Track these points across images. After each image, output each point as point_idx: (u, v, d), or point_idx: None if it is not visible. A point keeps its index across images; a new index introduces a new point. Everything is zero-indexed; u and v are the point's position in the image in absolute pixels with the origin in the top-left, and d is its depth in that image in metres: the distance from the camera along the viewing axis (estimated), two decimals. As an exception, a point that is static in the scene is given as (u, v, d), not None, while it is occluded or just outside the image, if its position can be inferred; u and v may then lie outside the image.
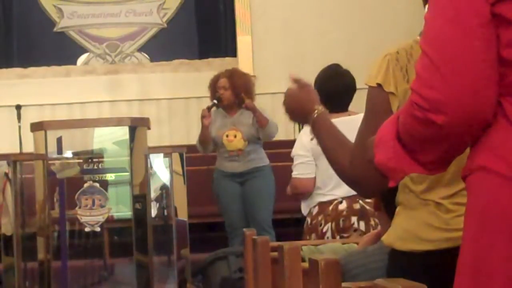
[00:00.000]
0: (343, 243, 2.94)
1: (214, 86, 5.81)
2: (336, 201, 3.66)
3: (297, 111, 2.14)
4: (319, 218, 3.69)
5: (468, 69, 1.34)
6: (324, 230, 3.65)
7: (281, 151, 6.84)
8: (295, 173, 3.82)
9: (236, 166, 5.66)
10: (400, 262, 1.84)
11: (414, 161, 1.44)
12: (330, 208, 3.67)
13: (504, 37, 1.35)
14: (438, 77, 1.36)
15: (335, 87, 3.75)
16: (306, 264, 1.91)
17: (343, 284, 1.75)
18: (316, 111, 2.04)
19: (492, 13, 1.35)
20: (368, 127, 1.87)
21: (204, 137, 5.61)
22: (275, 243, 2.62)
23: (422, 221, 1.82)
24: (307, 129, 3.93)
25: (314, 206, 3.75)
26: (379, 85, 1.84)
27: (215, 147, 5.70)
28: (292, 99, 2.16)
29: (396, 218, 1.91)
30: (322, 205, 3.70)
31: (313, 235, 3.70)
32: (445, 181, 1.80)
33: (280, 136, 7.75)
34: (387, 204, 2.23)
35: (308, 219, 3.77)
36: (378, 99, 1.84)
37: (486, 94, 1.34)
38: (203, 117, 5.56)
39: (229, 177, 5.68)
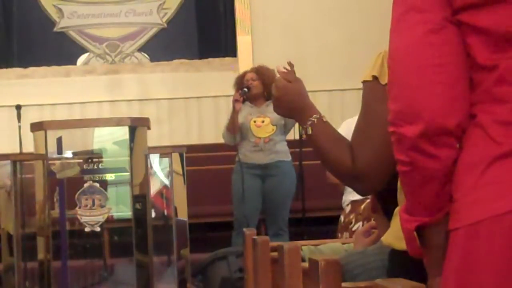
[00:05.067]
0: (343, 243, 2.94)
1: (240, 81, 5.86)
2: (368, 200, 3.67)
3: (289, 106, 2.05)
4: (351, 216, 3.69)
5: (421, 75, 1.33)
6: (354, 229, 3.65)
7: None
8: None
9: (261, 157, 5.67)
10: (400, 262, 1.85)
11: (412, 216, 1.41)
12: (362, 207, 3.67)
13: (474, 44, 1.35)
14: (396, 88, 1.37)
15: None
16: (306, 264, 1.91)
17: (343, 284, 1.75)
18: (315, 116, 1.99)
19: (456, 20, 1.35)
20: (367, 121, 1.88)
21: (234, 124, 5.60)
22: (275, 243, 2.62)
23: (418, 220, 1.82)
24: (348, 121, 3.87)
25: (348, 204, 3.76)
26: (375, 77, 1.85)
27: (240, 137, 5.70)
28: (283, 91, 2.06)
29: (394, 218, 1.92)
30: (354, 204, 3.71)
31: (345, 234, 3.70)
32: None
33: (280, 136, 7.75)
34: (385, 205, 2.24)
35: (341, 217, 3.78)
36: (375, 91, 1.86)
37: (444, 99, 1.33)
38: (235, 101, 5.57)
39: (251, 169, 5.67)
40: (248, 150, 5.70)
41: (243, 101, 5.69)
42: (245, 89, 5.66)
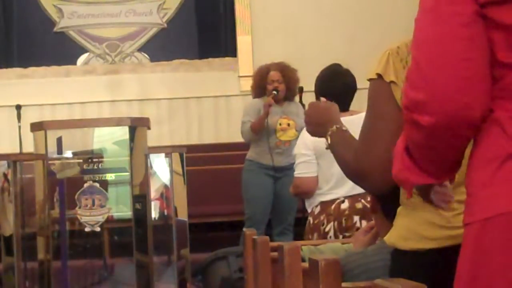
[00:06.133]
0: (343, 243, 2.94)
1: (263, 77, 5.84)
2: (338, 201, 3.66)
3: (317, 122, 2.16)
4: (321, 217, 3.68)
5: (449, 69, 1.33)
6: (327, 229, 3.64)
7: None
8: (297, 172, 3.82)
9: (279, 159, 5.71)
10: (403, 261, 1.84)
11: (420, 171, 1.43)
12: (332, 207, 3.66)
13: (496, 39, 1.35)
14: (421, 78, 1.36)
15: (334, 87, 3.76)
16: (306, 264, 1.91)
17: (343, 284, 1.75)
18: (335, 126, 2.06)
19: (483, 14, 1.35)
20: (372, 119, 1.89)
21: (262, 126, 5.66)
22: (275, 243, 2.62)
23: (424, 220, 1.82)
24: None
25: (316, 206, 3.74)
26: (379, 75, 1.86)
27: (259, 137, 5.73)
28: (314, 108, 2.20)
29: (398, 218, 1.92)
30: (324, 205, 3.70)
31: (315, 235, 3.70)
32: None
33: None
34: (385, 204, 2.24)
35: (310, 219, 3.76)
36: (380, 89, 1.87)
37: (468, 93, 1.33)
38: (269, 105, 5.61)
39: (265, 169, 5.72)
40: (266, 152, 5.72)
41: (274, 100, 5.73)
42: (275, 92, 5.70)
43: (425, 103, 1.35)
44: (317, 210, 3.73)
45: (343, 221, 3.61)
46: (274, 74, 5.79)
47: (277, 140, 5.71)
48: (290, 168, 5.67)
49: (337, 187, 3.64)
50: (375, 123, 1.87)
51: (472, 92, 1.33)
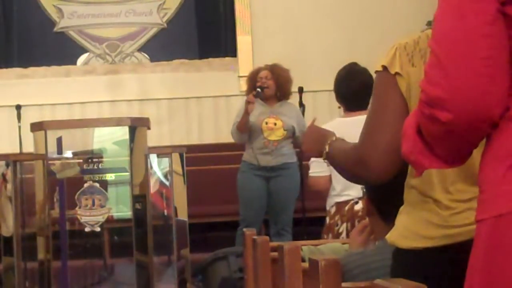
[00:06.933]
0: (343, 243, 2.94)
1: (253, 78, 5.84)
2: (352, 202, 3.68)
3: (314, 139, 2.17)
4: (336, 218, 3.72)
5: (471, 66, 1.33)
6: (340, 230, 3.66)
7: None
8: (311, 172, 3.89)
9: (269, 160, 5.66)
10: (404, 260, 1.85)
11: (432, 155, 1.43)
12: (346, 208, 3.69)
13: None
14: (441, 74, 1.36)
15: (350, 86, 3.79)
16: (306, 264, 1.91)
17: (343, 284, 1.75)
18: (334, 137, 2.08)
19: (503, 12, 1.35)
20: (376, 108, 1.90)
21: (244, 125, 5.59)
22: (275, 243, 2.62)
23: (422, 219, 1.84)
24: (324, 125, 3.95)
25: (332, 206, 3.78)
26: (384, 67, 1.87)
27: (249, 137, 5.69)
28: (313, 128, 2.24)
29: (399, 217, 1.93)
30: (339, 205, 3.74)
31: (330, 235, 3.72)
32: (444, 177, 1.82)
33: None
34: (380, 206, 2.24)
35: (327, 219, 3.82)
36: (385, 80, 1.88)
37: (490, 91, 1.33)
38: (248, 102, 5.55)
39: (257, 170, 5.67)
40: (256, 153, 5.67)
41: (259, 97, 5.68)
42: (259, 90, 5.64)
43: (444, 100, 1.35)
44: (333, 210, 3.77)
45: (356, 222, 3.62)
46: (262, 73, 5.79)
47: (265, 140, 5.67)
48: (283, 168, 5.67)
49: (349, 189, 3.66)
50: (379, 112, 1.88)
51: (493, 90, 1.33)
